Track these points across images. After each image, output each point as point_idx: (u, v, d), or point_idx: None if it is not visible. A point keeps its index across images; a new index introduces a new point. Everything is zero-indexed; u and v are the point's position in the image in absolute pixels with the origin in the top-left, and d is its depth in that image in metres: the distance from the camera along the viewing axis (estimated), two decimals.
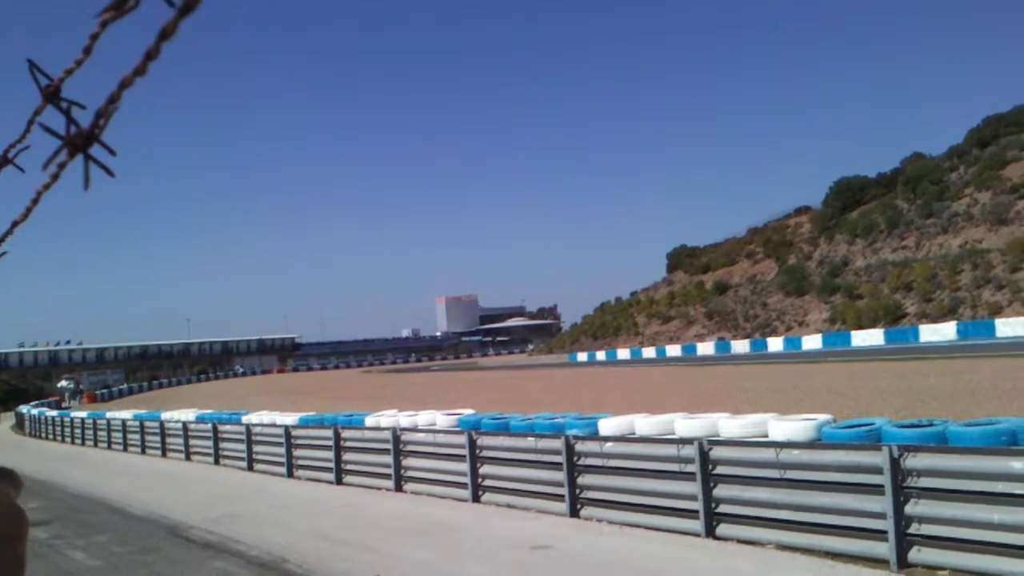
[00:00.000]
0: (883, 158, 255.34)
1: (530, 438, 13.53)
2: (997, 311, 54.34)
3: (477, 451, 14.29)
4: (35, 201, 0.57)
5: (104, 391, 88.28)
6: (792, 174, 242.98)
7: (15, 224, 0.65)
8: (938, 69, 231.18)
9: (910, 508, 8.57)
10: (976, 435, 8.98)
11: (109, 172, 0.46)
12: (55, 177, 0.51)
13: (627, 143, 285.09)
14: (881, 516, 8.70)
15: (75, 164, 0.50)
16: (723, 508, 10.45)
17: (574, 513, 12.36)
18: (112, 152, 0.46)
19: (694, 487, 10.57)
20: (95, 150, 0.46)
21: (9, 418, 59.84)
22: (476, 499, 14.17)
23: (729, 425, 11.89)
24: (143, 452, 28.29)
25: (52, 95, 0.55)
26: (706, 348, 74.08)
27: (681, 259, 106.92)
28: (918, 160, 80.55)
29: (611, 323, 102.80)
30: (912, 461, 8.60)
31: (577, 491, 12.42)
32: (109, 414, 34.39)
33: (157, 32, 0.40)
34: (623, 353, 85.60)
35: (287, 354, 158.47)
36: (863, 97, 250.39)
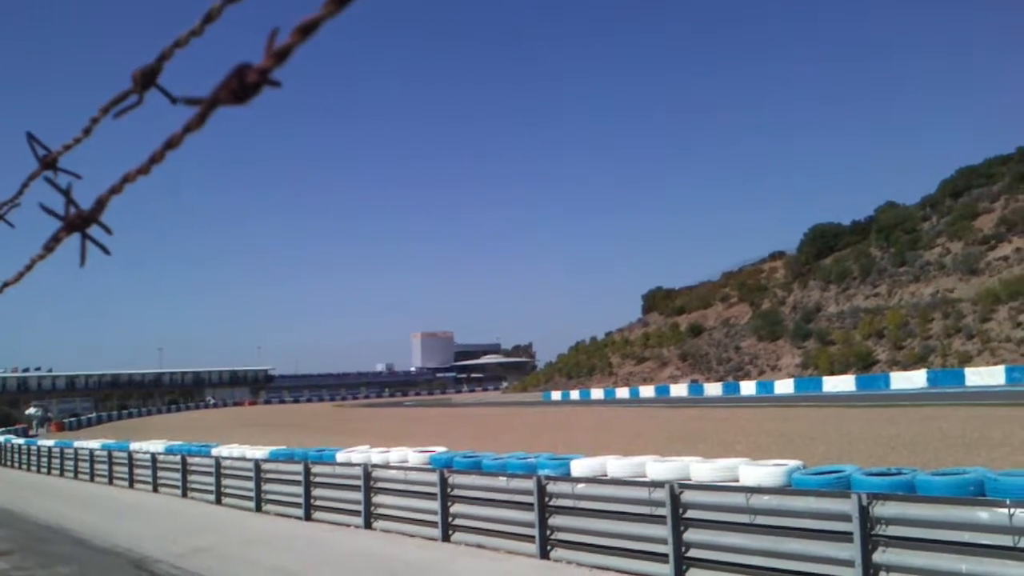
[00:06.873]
0: (857, 206, 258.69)
1: (502, 478, 13.48)
2: (967, 360, 54.93)
3: (448, 490, 14.20)
4: (28, 268, 0.60)
5: (73, 419, 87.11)
6: (767, 220, 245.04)
7: (6, 284, 0.68)
8: (913, 119, 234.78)
9: (878, 556, 8.61)
10: (944, 484, 9.05)
11: (105, 251, 0.49)
12: (50, 250, 0.54)
13: (605, 183, 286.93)
14: (849, 564, 8.73)
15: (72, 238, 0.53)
16: (694, 552, 10.42)
17: (544, 555, 12.28)
18: (109, 232, 0.49)
19: (665, 531, 10.55)
20: (92, 229, 0.49)
21: None
22: (446, 538, 14.06)
23: (701, 469, 11.91)
24: (110, 483, 27.89)
25: (49, 164, 0.59)
26: (679, 390, 74.22)
27: (656, 301, 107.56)
28: (892, 209, 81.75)
29: (585, 363, 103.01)
30: (881, 509, 8.65)
31: (548, 532, 12.36)
32: (77, 443, 33.92)
33: (164, 141, 0.43)
34: (597, 393, 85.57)
35: (260, 386, 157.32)
36: (839, 144, 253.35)
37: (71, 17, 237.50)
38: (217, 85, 0.40)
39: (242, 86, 0.40)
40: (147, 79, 0.44)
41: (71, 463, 31.90)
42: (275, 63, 0.38)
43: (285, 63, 0.39)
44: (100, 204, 0.46)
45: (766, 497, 9.78)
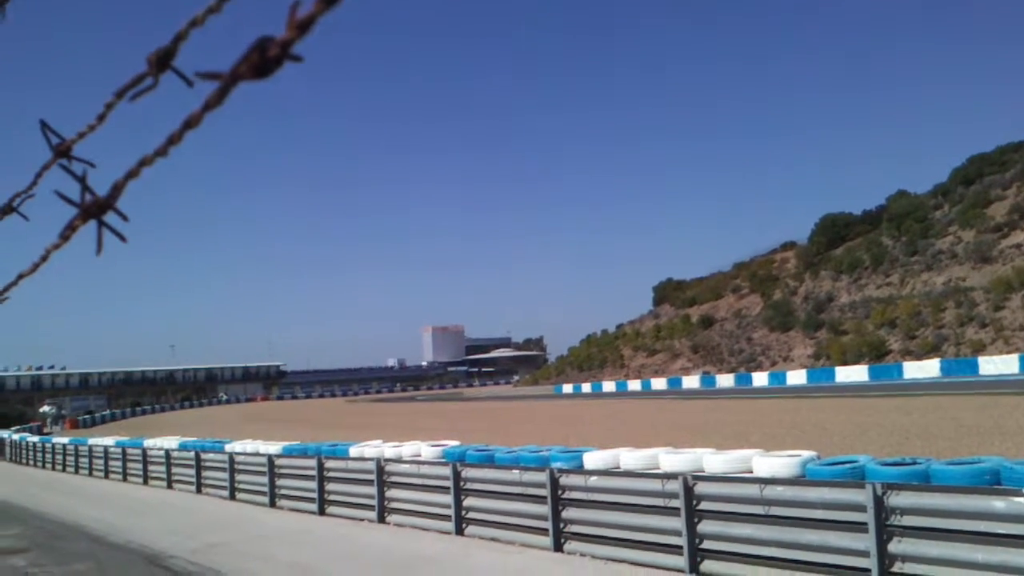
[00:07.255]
0: (869, 195, 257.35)
1: (515, 471, 13.47)
2: (980, 349, 54.63)
3: (462, 483, 14.21)
4: (43, 258, 0.59)
5: (86, 417, 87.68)
6: (778, 209, 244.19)
7: (21, 276, 0.67)
8: (924, 107, 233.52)
9: (893, 546, 8.57)
10: (959, 474, 8.99)
11: (122, 238, 0.48)
12: (66, 238, 0.53)
13: (614, 175, 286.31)
14: (865, 554, 8.70)
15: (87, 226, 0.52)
16: (707, 544, 10.41)
17: (558, 547, 12.28)
18: (125, 218, 0.48)
19: (678, 522, 10.53)
20: (108, 216, 0.48)
21: None
22: (460, 532, 14.08)
23: (714, 460, 11.86)
24: (124, 479, 28.03)
25: (63, 153, 0.57)
26: (691, 382, 74.11)
27: (667, 292, 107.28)
28: (903, 198, 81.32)
29: (597, 355, 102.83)
30: (895, 499, 8.62)
31: (561, 525, 12.35)
32: (91, 440, 34.06)
33: (182, 120, 0.42)
34: (608, 385, 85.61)
35: (272, 382, 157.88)
36: (849, 134, 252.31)
37: (81, 2, 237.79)
38: (237, 59, 0.39)
39: (263, 60, 0.39)
40: (162, 61, 0.43)
41: (86, 460, 32.06)
42: (298, 35, 0.38)
43: (308, 34, 0.39)
44: (117, 189, 0.45)
45: (780, 488, 9.75)
